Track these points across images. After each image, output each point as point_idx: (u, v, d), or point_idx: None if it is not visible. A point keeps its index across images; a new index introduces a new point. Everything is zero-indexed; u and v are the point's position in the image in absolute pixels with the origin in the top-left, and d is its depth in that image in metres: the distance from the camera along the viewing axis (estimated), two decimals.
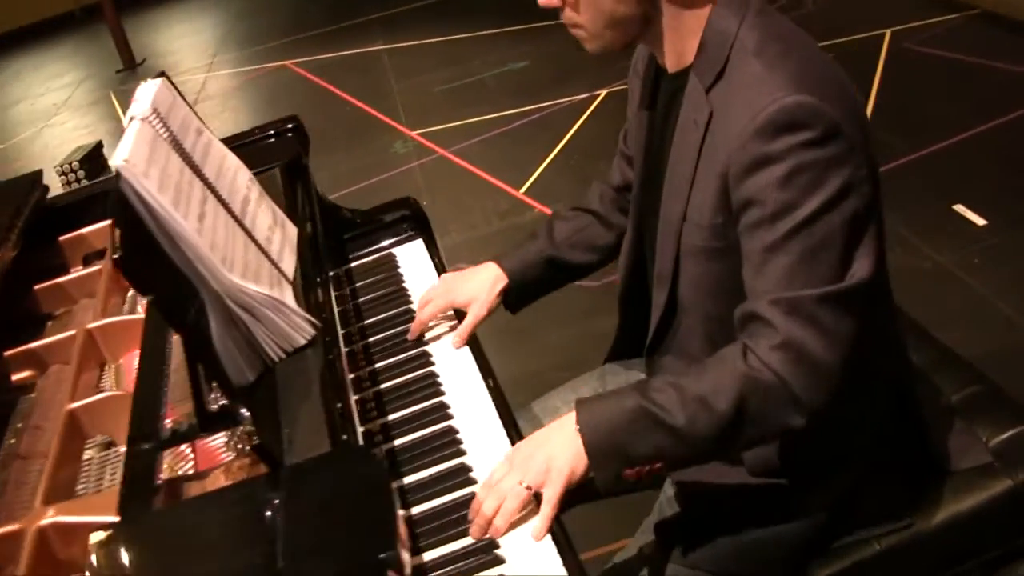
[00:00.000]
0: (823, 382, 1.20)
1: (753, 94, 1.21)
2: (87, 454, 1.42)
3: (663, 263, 1.42)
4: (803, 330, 1.19)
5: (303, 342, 1.31)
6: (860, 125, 1.25)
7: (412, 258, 2.06)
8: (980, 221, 3.22)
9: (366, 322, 1.85)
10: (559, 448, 1.27)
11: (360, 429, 1.29)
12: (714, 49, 1.29)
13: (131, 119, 1.36)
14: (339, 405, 1.17)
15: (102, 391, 1.50)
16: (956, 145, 3.75)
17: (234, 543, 0.98)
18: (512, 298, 1.77)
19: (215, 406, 1.20)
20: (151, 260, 1.16)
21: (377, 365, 1.71)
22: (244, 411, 1.09)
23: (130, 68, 8.14)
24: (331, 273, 2.06)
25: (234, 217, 1.45)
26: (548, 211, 3.99)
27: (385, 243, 2.14)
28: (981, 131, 3.78)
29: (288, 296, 1.41)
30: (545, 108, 5.02)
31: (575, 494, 1.73)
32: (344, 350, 1.75)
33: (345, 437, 1.12)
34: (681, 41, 1.33)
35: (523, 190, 4.24)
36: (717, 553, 1.45)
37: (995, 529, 1.49)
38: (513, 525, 1.28)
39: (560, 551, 1.26)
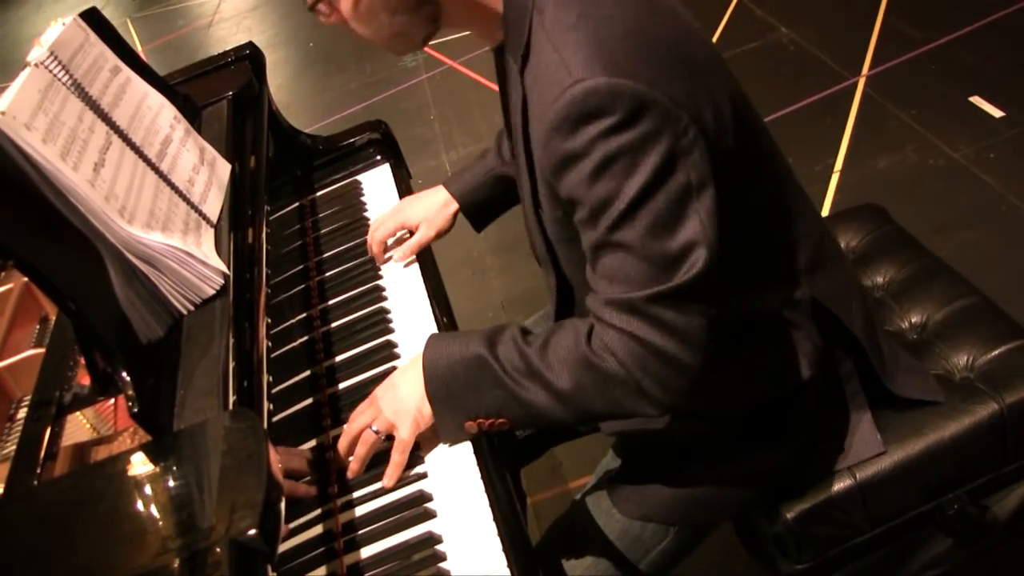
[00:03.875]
0: (678, 379, 1.08)
1: (547, 82, 1.05)
2: (21, 415, 1.38)
3: (539, 248, 1.32)
4: (647, 328, 1.06)
5: (212, 292, 1.23)
6: (682, 76, 1.06)
7: (377, 184, 1.97)
8: (997, 113, 3.02)
9: (324, 256, 1.78)
10: (407, 389, 1.23)
11: (268, 381, 1.22)
12: (515, 27, 1.12)
13: (25, 65, 1.28)
14: (235, 364, 1.09)
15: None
16: (974, 33, 3.49)
17: (103, 521, 0.93)
18: (471, 218, 1.72)
19: (109, 368, 1.14)
20: (26, 218, 1.08)
21: (330, 302, 1.65)
22: (124, 375, 1.02)
23: None
24: (296, 204, 1.99)
25: (147, 161, 1.36)
26: None
27: (352, 169, 2.05)
28: (1000, 17, 3.51)
29: (206, 240, 1.33)
30: None
31: (545, 437, 1.69)
32: (299, 288, 1.71)
33: (234, 399, 1.04)
34: (487, 22, 1.16)
35: None
36: (670, 502, 1.35)
37: (980, 456, 1.38)
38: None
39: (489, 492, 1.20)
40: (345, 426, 1.28)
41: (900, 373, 1.37)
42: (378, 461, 1.28)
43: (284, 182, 1.99)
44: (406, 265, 1.66)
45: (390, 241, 1.71)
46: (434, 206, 1.67)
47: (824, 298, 1.29)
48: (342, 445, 1.27)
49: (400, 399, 1.22)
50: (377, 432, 1.23)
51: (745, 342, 1.25)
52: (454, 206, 1.67)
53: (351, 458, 1.26)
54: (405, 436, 1.22)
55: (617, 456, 1.42)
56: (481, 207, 1.69)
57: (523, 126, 1.15)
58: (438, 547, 1.15)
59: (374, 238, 1.68)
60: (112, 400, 1.28)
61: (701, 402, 1.14)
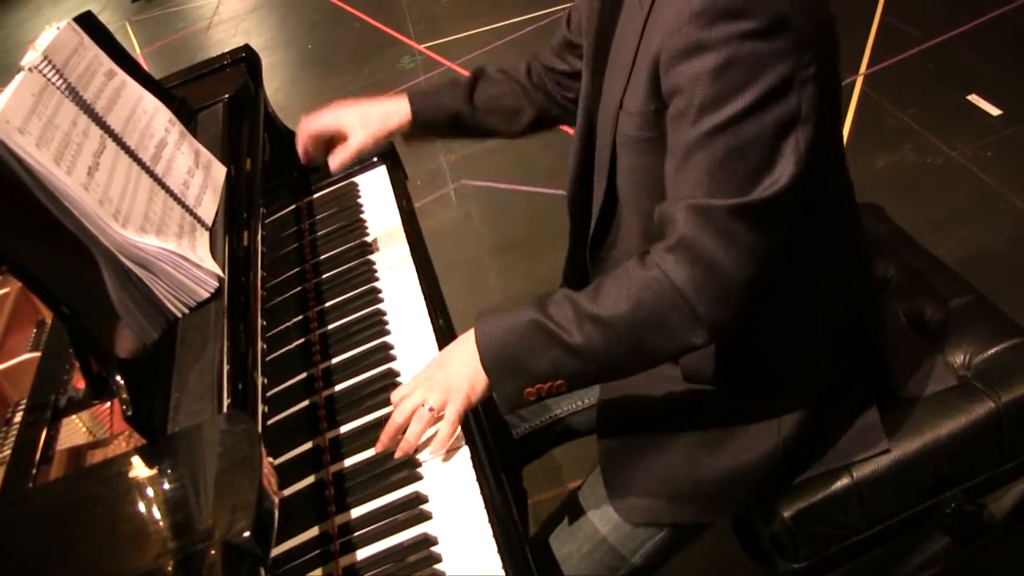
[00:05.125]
0: (728, 297, 1.12)
1: None
2: (17, 419, 1.38)
3: (602, 153, 1.33)
4: (713, 241, 1.10)
5: (206, 295, 1.23)
6: (817, 19, 1.12)
7: (374, 187, 1.97)
8: (995, 111, 3.02)
9: (320, 258, 1.78)
10: (458, 365, 1.24)
11: (262, 384, 1.22)
12: None
13: (19, 69, 1.28)
14: (230, 367, 1.09)
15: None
16: (972, 31, 3.49)
17: (98, 524, 0.93)
18: (409, 134, 1.70)
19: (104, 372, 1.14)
20: (20, 223, 1.08)
21: (326, 304, 1.65)
22: (118, 379, 1.02)
23: None
24: (292, 206, 1.99)
25: (142, 165, 1.36)
26: None
27: (348, 171, 2.04)
28: (998, 14, 3.52)
29: (201, 243, 1.33)
30: (554, 13, 4.81)
31: (544, 436, 1.69)
32: (295, 290, 1.71)
33: (229, 402, 1.04)
34: None
35: None
36: (668, 503, 1.36)
37: (977, 454, 1.39)
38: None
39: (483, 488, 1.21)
40: (394, 408, 1.28)
41: (911, 371, 1.39)
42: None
43: (280, 184, 1.99)
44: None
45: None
46: (382, 114, 1.64)
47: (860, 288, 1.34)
48: (392, 427, 1.26)
49: (451, 374, 1.24)
50: (431, 409, 1.24)
51: (798, 283, 1.29)
52: (404, 119, 1.65)
53: (402, 437, 1.26)
54: (457, 409, 1.23)
55: (616, 454, 1.42)
56: (429, 130, 1.69)
57: (643, 21, 1.18)
58: (434, 549, 1.15)
59: (304, 131, 1.67)
60: (108, 403, 1.28)
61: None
